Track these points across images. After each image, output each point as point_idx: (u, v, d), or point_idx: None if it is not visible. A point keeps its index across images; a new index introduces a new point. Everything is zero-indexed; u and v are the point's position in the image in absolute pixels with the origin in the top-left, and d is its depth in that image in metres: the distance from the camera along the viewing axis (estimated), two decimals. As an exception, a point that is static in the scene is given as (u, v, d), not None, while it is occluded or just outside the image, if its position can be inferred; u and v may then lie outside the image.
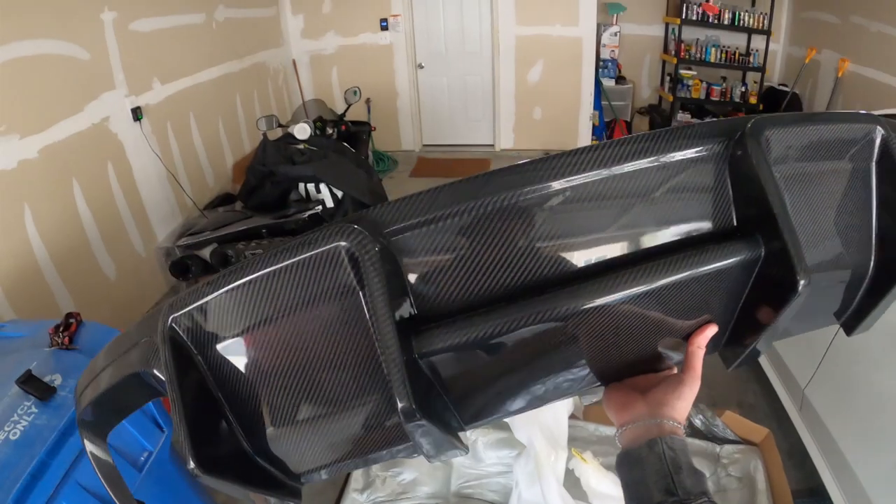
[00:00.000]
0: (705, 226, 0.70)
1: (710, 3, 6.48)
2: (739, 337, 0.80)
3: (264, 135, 4.47)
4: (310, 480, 0.84)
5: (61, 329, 2.08)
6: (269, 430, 0.75)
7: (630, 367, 0.82)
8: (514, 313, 0.64)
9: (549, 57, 7.36)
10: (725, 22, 7.31)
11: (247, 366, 0.70)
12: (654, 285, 0.66)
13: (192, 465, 0.66)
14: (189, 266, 3.68)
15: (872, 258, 0.79)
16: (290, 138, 4.52)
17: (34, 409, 1.70)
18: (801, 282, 0.63)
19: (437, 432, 0.66)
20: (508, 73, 7.50)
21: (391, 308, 0.59)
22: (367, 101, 7.36)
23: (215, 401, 0.72)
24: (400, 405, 0.59)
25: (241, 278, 0.64)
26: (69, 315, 2.14)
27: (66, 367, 1.91)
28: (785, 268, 0.64)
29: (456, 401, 0.74)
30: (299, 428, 0.74)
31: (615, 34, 7.61)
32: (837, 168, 0.75)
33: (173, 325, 0.67)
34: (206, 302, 0.66)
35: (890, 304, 0.80)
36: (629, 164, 0.65)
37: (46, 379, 1.81)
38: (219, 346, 0.69)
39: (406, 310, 0.64)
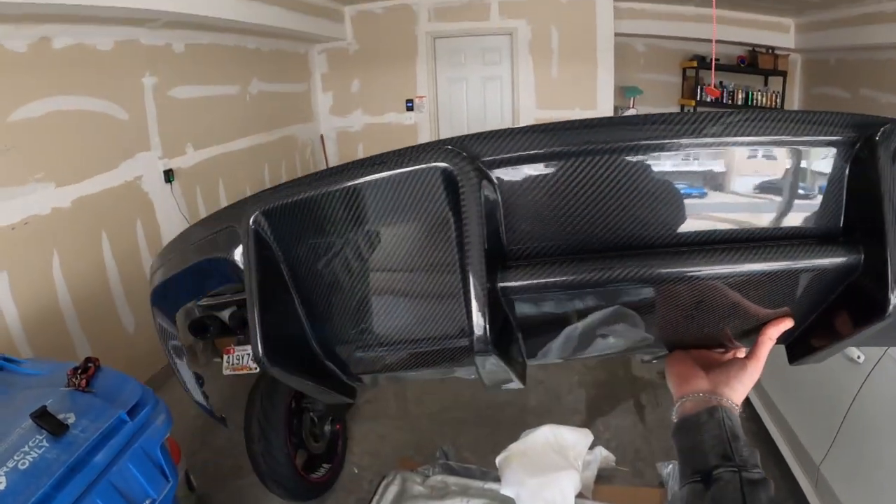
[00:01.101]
0: (811, 220, 0.68)
1: (713, 87, 6.67)
2: (813, 338, 0.78)
3: None
4: (365, 383, 0.87)
5: (80, 371, 2.17)
6: (337, 331, 0.78)
7: (700, 340, 0.83)
8: (603, 267, 0.64)
9: (571, 140, 7.49)
10: (739, 102, 7.55)
11: (325, 267, 0.73)
12: (745, 269, 0.64)
13: (260, 352, 0.68)
14: (208, 326, 3.71)
15: None
16: None
17: (45, 444, 1.76)
18: (893, 302, 0.60)
19: (500, 365, 0.67)
20: (529, 155, 7.64)
21: (482, 236, 0.60)
22: (391, 179, 7.53)
23: (288, 296, 0.75)
24: (476, 334, 0.60)
25: (333, 185, 0.66)
26: (88, 359, 2.25)
27: (80, 407, 1.98)
28: (879, 284, 0.61)
29: (526, 337, 0.75)
30: (366, 332, 0.76)
31: (633, 116, 7.78)
32: None
33: (260, 216, 0.70)
34: (296, 201, 0.69)
35: None
36: (749, 137, 0.63)
37: (60, 416, 1.87)
38: (301, 245, 0.72)
39: (496, 242, 0.64)
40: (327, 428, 3.34)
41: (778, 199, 0.68)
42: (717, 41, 7.46)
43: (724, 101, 7.61)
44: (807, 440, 2.73)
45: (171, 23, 4.33)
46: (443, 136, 7.59)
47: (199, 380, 1.05)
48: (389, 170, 0.63)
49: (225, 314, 3.81)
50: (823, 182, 0.66)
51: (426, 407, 3.94)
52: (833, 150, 0.64)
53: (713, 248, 0.64)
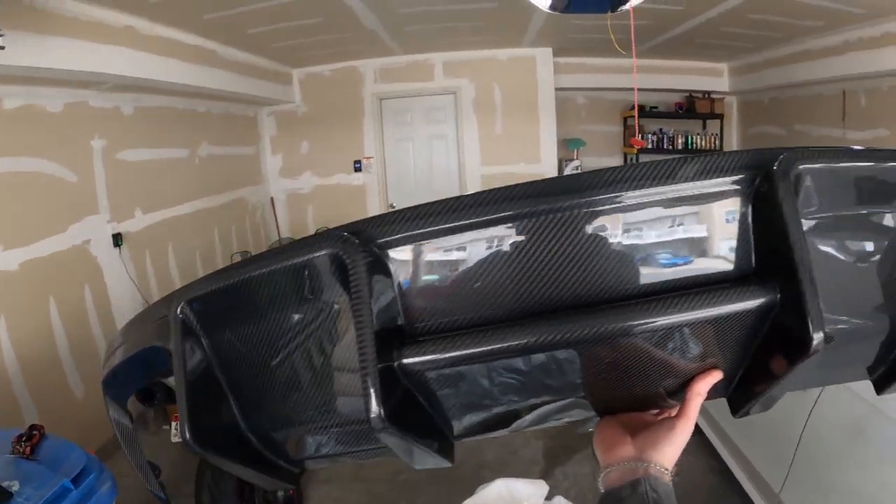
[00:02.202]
0: (723, 264, 0.65)
1: (638, 139, 6.96)
2: (750, 385, 0.74)
3: None
4: (307, 467, 0.85)
5: (24, 439, 2.20)
6: (265, 416, 0.78)
7: (628, 403, 0.78)
8: (507, 337, 0.62)
9: (515, 195, 7.64)
10: (679, 146, 7.92)
11: (247, 354, 0.74)
12: (655, 323, 0.62)
13: (188, 437, 0.69)
14: (155, 392, 3.64)
15: None
16: None
17: (-12, 512, 1.75)
18: (815, 340, 0.58)
19: (412, 443, 0.66)
20: (476, 212, 7.76)
21: (372, 316, 0.59)
22: (342, 239, 7.53)
23: (217, 382, 0.75)
24: (370, 413, 0.59)
25: (241, 275, 0.69)
26: (33, 427, 2.27)
27: (24, 475, 2.00)
28: (799, 321, 0.59)
29: (443, 415, 0.73)
30: (290, 416, 0.76)
31: (577, 168, 8.02)
32: (887, 214, 0.69)
33: (186, 305, 0.71)
34: (215, 290, 0.71)
35: None
36: (642, 190, 0.61)
37: (5, 484, 1.89)
38: (223, 332, 0.74)
39: (392, 320, 0.64)
40: (281, 494, 3.24)
41: (686, 247, 0.65)
42: (656, 90, 7.86)
43: (665, 147, 7.97)
44: (765, 470, 2.80)
45: (119, 86, 4.34)
46: (391, 197, 7.73)
47: (156, 470, 1.05)
48: (290, 259, 0.65)
49: (171, 380, 3.72)
50: (730, 222, 0.64)
51: (382, 468, 3.86)
52: (736, 188, 0.63)
53: (621, 306, 0.62)
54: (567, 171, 7.92)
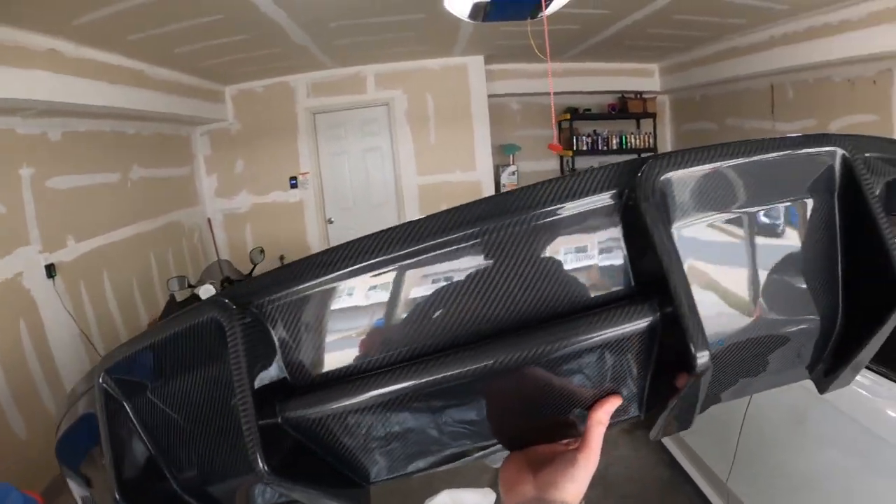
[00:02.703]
0: (607, 287, 0.63)
1: (555, 143, 7.15)
2: (658, 406, 0.70)
3: (171, 296, 4.45)
4: None
5: None
6: (193, 473, 0.78)
7: (528, 435, 0.74)
8: (382, 385, 0.61)
9: (451, 202, 7.56)
10: (614, 147, 8.15)
11: (165, 416, 0.75)
12: (534, 352, 0.58)
13: (117, 497, 0.72)
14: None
15: (840, 309, 0.70)
16: (195, 299, 4.45)
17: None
18: (699, 359, 0.55)
19: (311, 493, 0.66)
20: (414, 222, 7.78)
21: (249, 374, 0.60)
22: (281, 258, 7.43)
23: (142, 442, 0.77)
24: (255, 468, 0.58)
25: (147, 341, 0.72)
26: None
27: None
28: (682, 341, 0.56)
29: (344, 460, 0.72)
30: (212, 474, 0.76)
31: (513, 173, 8.13)
32: (780, 209, 0.67)
33: (106, 374, 0.75)
34: (123, 358, 0.74)
35: (868, 358, 0.71)
36: (511, 220, 0.60)
37: None
38: (140, 397, 0.76)
39: (277, 375, 0.65)
40: None
41: (562, 271, 0.62)
42: (589, 92, 8.05)
43: (599, 148, 8.17)
44: (712, 462, 2.86)
45: (45, 111, 4.20)
46: (328, 212, 7.69)
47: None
48: (182, 325, 0.67)
49: None
50: (608, 242, 0.62)
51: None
52: (609, 205, 0.61)
53: (499, 341, 0.60)
54: (504, 177, 8.05)
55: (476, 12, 2.88)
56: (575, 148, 8.11)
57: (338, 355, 0.65)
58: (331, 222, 7.81)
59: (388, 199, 7.81)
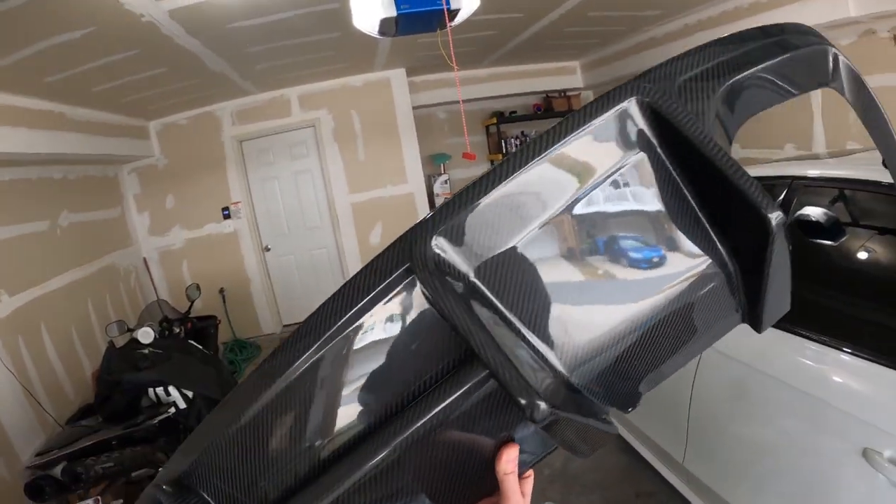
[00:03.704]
0: (440, 360, 0.61)
1: (468, 152, 7.30)
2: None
3: (110, 342, 4.36)
4: None
5: None
6: None
7: (449, 498, 0.70)
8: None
9: (386, 217, 7.76)
10: None
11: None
12: (412, 430, 0.59)
13: None
14: (43, 487, 3.45)
15: (724, 253, 0.67)
16: (135, 343, 4.37)
17: None
18: (538, 409, 0.55)
19: None
20: (351, 241, 7.77)
21: None
22: (221, 290, 7.36)
23: None
24: None
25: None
26: None
27: None
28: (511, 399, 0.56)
29: None
30: None
31: (446, 182, 8.23)
32: (616, 179, 0.64)
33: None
34: None
35: (782, 285, 0.68)
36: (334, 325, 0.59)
37: None
38: None
39: None
40: None
41: (395, 359, 0.61)
42: (514, 95, 8.21)
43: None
44: (668, 445, 2.94)
45: (-35, 163, 4.07)
46: (265, 240, 7.65)
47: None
48: None
49: (57, 471, 3.55)
50: (417, 318, 0.60)
51: None
52: (405, 282, 0.59)
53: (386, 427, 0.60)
54: (437, 186, 8.15)
55: (385, 28, 2.93)
56: (504, 151, 8.24)
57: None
58: (268, 250, 7.74)
59: (322, 221, 7.80)
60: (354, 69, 7.10)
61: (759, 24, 0.75)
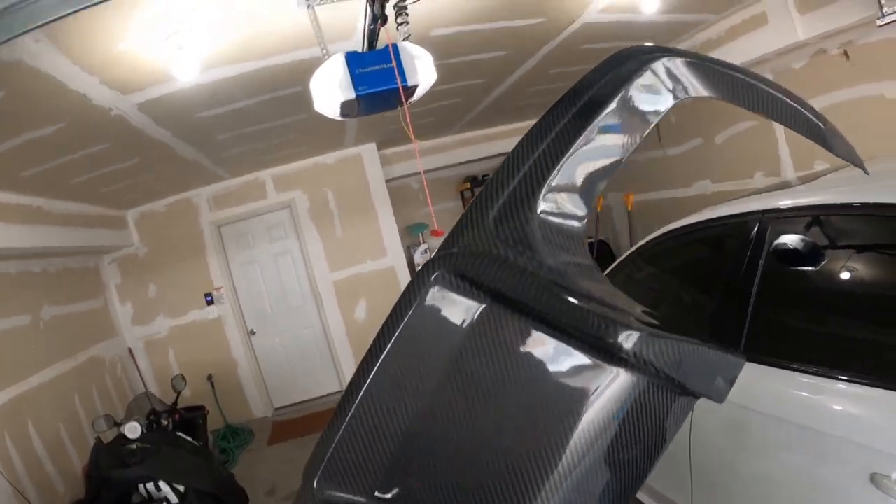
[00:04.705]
0: None
1: (436, 229, 7.35)
2: None
3: (97, 438, 4.32)
4: None
5: None
6: None
7: None
8: None
9: (369, 292, 7.80)
10: None
11: None
12: None
13: None
14: None
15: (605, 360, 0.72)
16: (123, 438, 4.27)
17: None
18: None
19: None
20: (336, 318, 7.79)
21: None
22: (209, 377, 7.29)
23: None
24: None
25: None
26: None
27: None
28: None
29: None
30: None
31: (425, 251, 8.34)
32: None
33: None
34: None
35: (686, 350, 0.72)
36: None
37: None
38: None
39: None
40: None
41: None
42: (484, 158, 8.35)
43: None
44: (672, 493, 2.89)
45: (-56, 261, 4.15)
46: (249, 324, 7.64)
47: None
48: None
49: None
50: None
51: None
52: None
53: None
54: (417, 256, 8.24)
55: (347, 110, 3.05)
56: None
57: None
58: (253, 333, 7.75)
59: (305, 300, 7.84)
60: (325, 147, 7.30)
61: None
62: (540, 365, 0.70)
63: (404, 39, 2.91)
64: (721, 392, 0.74)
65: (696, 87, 0.87)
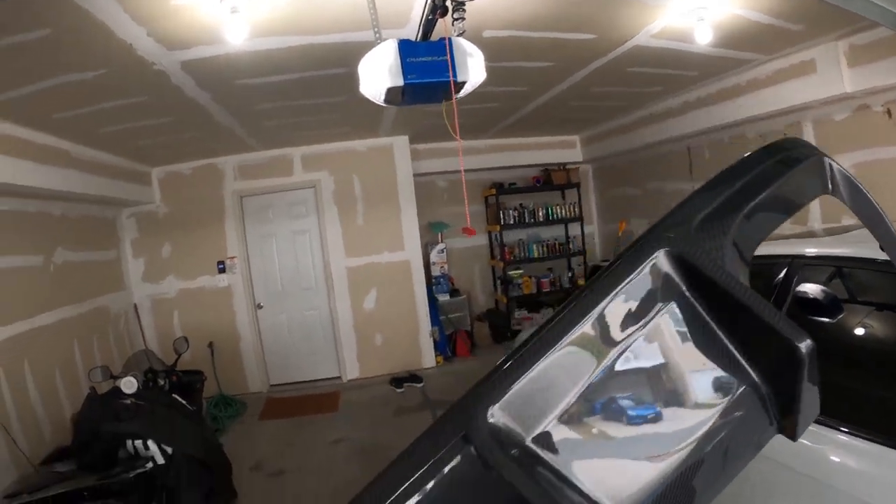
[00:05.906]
0: None
1: (468, 227, 7.33)
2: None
3: (92, 388, 4.29)
4: None
5: None
6: None
7: None
8: None
9: (381, 283, 7.78)
10: (541, 219, 8.45)
11: None
12: None
13: None
14: None
15: (757, 378, 0.73)
16: (118, 392, 4.25)
17: None
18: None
19: None
20: (345, 305, 7.77)
21: None
22: (210, 344, 7.28)
23: None
24: None
25: None
26: None
27: None
28: None
29: None
30: None
31: (442, 251, 8.32)
32: (649, 329, 0.71)
33: None
34: None
35: (813, 397, 0.73)
36: None
37: None
38: None
39: None
40: None
41: None
42: (514, 167, 8.32)
43: (527, 221, 8.47)
44: None
45: (-35, 190, 4.13)
46: (258, 297, 7.61)
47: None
48: None
49: None
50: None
51: None
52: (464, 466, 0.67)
53: None
54: (433, 255, 8.23)
55: (391, 97, 3.01)
56: (502, 222, 8.36)
57: None
58: (260, 307, 7.73)
59: (317, 283, 7.82)
60: (358, 133, 7.27)
61: (764, 145, 0.86)
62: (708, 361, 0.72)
63: (458, 35, 2.84)
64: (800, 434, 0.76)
65: (842, 195, 0.91)
